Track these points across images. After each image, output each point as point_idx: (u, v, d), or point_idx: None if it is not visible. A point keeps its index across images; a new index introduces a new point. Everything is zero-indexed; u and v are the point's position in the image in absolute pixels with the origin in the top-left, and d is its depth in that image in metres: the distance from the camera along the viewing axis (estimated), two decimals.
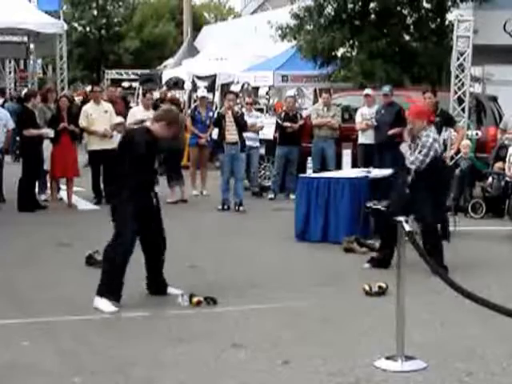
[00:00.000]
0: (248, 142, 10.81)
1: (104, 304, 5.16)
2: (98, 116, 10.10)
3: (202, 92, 11.86)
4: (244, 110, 11.37)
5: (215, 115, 10.81)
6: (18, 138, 10.74)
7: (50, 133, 9.60)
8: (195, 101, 14.57)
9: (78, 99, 16.98)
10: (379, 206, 7.26)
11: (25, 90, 13.07)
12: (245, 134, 10.58)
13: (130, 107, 12.18)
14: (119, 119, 10.32)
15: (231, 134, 9.74)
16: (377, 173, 8.46)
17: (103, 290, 5.20)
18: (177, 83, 20.04)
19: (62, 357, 4.36)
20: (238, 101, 14.08)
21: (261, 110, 12.38)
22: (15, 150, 13.42)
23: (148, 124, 5.46)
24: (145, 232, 5.38)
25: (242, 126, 9.86)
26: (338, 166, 10.60)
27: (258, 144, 11.20)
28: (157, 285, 5.56)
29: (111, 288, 5.19)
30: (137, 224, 5.25)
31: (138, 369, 4.20)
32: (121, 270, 5.22)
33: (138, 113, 10.70)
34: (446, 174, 6.52)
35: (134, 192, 5.24)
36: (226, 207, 9.81)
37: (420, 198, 6.26)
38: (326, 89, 12.83)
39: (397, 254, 4.33)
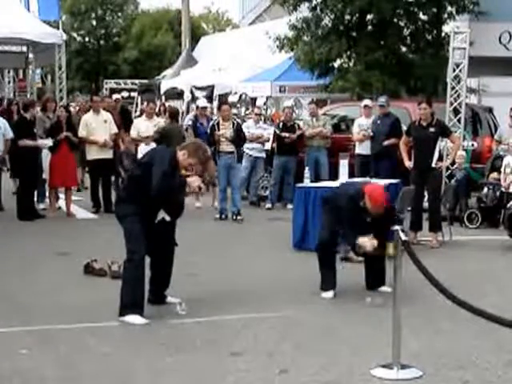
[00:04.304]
0: (253, 153, 10.89)
1: (132, 318, 5.12)
2: (98, 125, 10.15)
3: (203, 102, 11.90)
4: (252, 121, 11.43)
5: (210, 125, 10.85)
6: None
7: (49, 143, 9.62)
8: (193, 110, 14.61)
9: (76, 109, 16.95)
10: None
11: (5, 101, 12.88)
12: (251, 145, 10.64)
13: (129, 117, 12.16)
14: (146, 132, 10.21)
15: (226, 144, 9.79)
16: None
17: (127, 307, 5.14)
18: (175, 93, 20.14)
19: (60, 365, 4.37)
20: (236, 111, 14.16)
21: None
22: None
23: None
24: (154, 244, 5.32)
25: (240, 136, 9.91)
26: (335, 176, 10.64)
27: (263, 155, 11.23)
28: (157, 295, 5.55)
29: (134, 303, 5.15)
30: (145, 237, 5.19)
31: (136, 377, 4.22)
32: (140, 284, 5.18)
33: (141, 123, 10.73)
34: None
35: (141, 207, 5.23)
36: (223, 217, 9.84)
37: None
38: (322, 100, 12.91)
39: (393, 264, 4.37)
